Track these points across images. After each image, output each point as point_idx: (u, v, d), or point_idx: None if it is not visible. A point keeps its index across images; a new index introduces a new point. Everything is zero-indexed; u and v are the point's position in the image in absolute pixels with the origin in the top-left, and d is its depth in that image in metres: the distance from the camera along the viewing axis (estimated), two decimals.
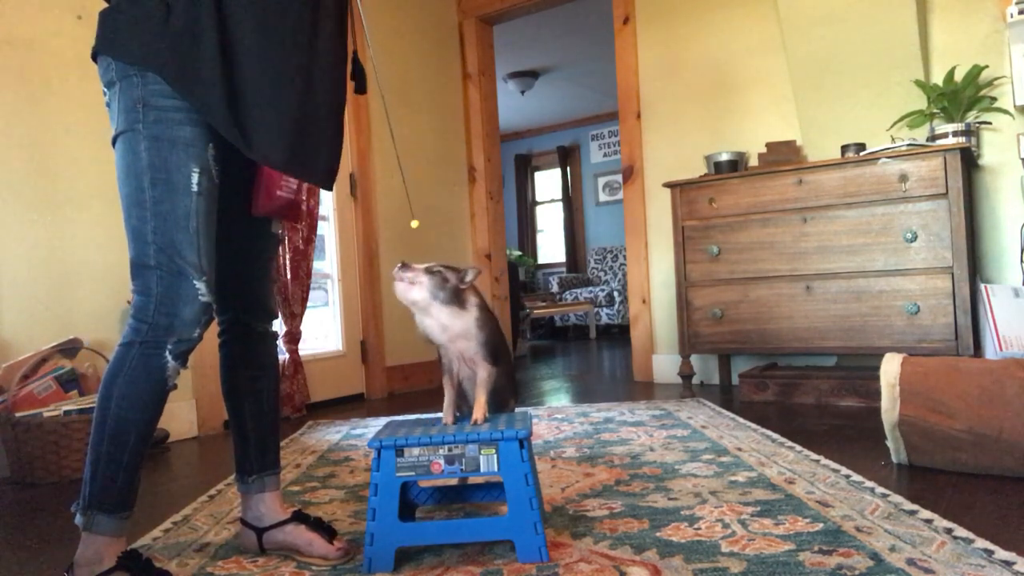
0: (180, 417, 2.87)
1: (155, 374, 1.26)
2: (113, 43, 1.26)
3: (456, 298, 1.41)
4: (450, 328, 1.42)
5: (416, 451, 1.36)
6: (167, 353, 1.26)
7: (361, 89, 1.49)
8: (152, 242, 1.25)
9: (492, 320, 1.48)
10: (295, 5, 1.30)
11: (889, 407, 1.87)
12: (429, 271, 1.42)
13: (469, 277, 1.45)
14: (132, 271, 1.28)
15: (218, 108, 1.24)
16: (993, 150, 2.93)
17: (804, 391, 2.96)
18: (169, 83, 1.23)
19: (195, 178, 1.26)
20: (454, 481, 1.63)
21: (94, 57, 1.31)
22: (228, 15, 1.25)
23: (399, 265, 1.42)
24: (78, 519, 1.26)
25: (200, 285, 1.27)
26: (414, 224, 1.56)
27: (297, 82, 1.31)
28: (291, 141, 1.30)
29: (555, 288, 7.97)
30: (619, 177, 8.05)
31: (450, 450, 1.36)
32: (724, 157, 3.24)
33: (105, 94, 1.31)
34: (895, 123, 3.03)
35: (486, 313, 1.46)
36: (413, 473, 1.37)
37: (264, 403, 1.51)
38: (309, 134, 1.34)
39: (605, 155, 8.78)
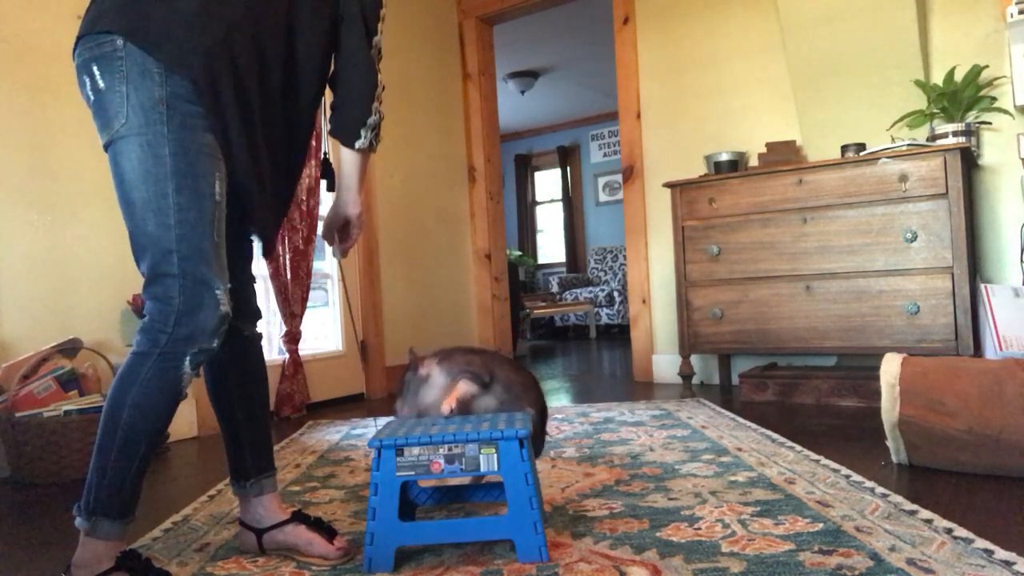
0: (180, 417, 2.86)
1: (171, 384, 1.23)
2: (142, 31, 1.20)
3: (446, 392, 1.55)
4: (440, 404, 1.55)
5: (416, 451, 1.36)
6: (186, 363, 1.23)
7: (331, 187, 1.54)
8: (176, 250, 1.21)
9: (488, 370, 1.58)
10: (307, 77, 1.41)
11: (889, 407, 1.87)
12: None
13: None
14: (149, 279, 1.23)
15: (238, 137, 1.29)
16: (993, 150, 2.93)
17: (804, 391, 2.96)
18: (198, 97, 1.22)
19: (217, 186, 1.25)
20: (458, 480, 1.63)
21: (84, 36, 1.24)
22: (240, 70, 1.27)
23: (409, 350, 1.62)
24: (80, 522, 1.25)
25: (221, 294, 1.24)
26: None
27: (282, 147, 1.40)
28: (269, 193, 1.38)
29: (555, 288, 7.96)
30: (619, 177, 8.05)
31: (450, 449, 1.36)
32: (724, 157, 3.24)
33: (94, 77, 1.23)
34: (895, 123, 3.03)
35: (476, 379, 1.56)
36: (413, 473, 1.37)
37: (256, 407, 1.50)
38: (279, 192, 1.43)
39: (605, 155, 8.78)
